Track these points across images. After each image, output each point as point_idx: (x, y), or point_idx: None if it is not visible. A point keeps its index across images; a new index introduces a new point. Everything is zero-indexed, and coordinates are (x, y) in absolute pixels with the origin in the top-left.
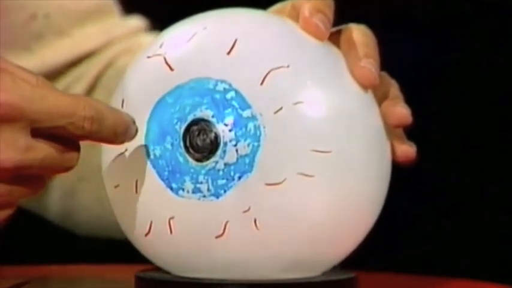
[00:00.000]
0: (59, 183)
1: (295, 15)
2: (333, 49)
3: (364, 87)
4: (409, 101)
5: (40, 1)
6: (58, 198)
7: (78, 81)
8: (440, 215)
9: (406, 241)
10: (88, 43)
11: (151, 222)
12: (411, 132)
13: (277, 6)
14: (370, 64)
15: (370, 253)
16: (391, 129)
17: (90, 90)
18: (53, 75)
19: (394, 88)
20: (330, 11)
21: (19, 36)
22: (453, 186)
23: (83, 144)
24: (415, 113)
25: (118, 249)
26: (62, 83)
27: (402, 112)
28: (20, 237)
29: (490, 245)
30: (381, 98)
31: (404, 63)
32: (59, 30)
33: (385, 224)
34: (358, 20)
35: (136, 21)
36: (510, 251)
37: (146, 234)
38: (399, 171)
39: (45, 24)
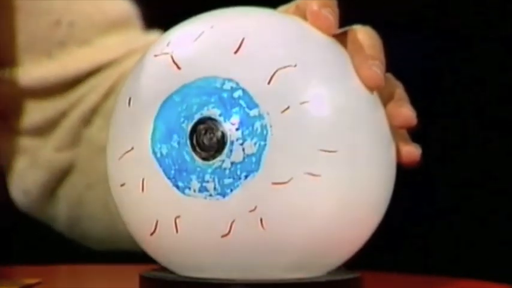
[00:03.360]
0: (67, 192)
1: (299, 15)
2: (340, 49)
3: (370, 88)
4: (414, 102)
5: (65, 8)
6: (66, 208)
7: (93, 90)
8: (443, 214)
9: (411, 241)
10: (108, 53)
11: (157, 221)
12: (415, 134)
13: (281, 9)
14: (376, 66)
15: (375, 253)
16: (395, 130)
17: (104, 99)
18: (72, 82)
19: (399, 89)
20: (335, 6)
21: (41, 42)
22: (456, 187)
23: (91, 151)
24: (419, 114)
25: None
26: (79, 92)
27: (407, 113)
28: (23, 238)
29: (493, 245)
30: (386, 100)
31: (408, 65)
32: (82, 39)
33: (390, 223)
34: (362, 22)
35: (157, 36)
36: (511, 251)
37: (152, 233)
38: (403, 172)
39: (68, 32)
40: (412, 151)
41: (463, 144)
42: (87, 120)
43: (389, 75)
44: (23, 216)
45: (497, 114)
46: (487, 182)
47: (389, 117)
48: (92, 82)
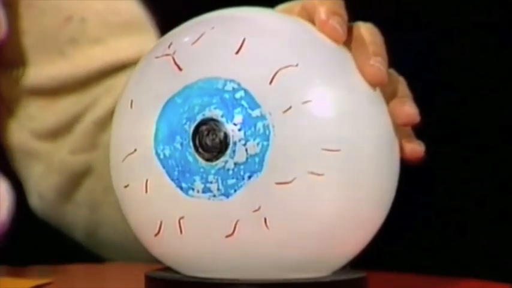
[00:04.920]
0: (85, 197)
1: (305, 16)
2: (341, 47)
3: (373, 85)
4: (416, 98)
5: (76, 5)
6: (84, 213)
7: (108, 93)
8: (445, 215)
9: (411, 241)
10: (121, 54)
11: (161, 222)
12: (419, 131)
13: (285, 6)
14: (379, 62)
15: (381, 253)
16: (399, 127)
17: None
18: (85, 82)
19: (402, 86)
20: (344, 11)
21: (52, 39)
22: (457, 187)
23: (107, 156)
24: (422, 111)
25: None
26: (92, 93)
27: (410, 111)
28: (34, 237)
29: (493, 245)
30: (389, 96)
31: (410, 61)
32: (93, 37)
33: (396, 223)
34: (363, 18)
35: None
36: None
37: (156, 234)
38: (407, 171)
39: (79, 29)
40: (416, 148)
41: (464, 144)
42: (102, 124)
43: (392, 71)
44: (33, 216)
45: (499, 112)
46: (487, 181)
47: (392, 115)
48: (106, 84)
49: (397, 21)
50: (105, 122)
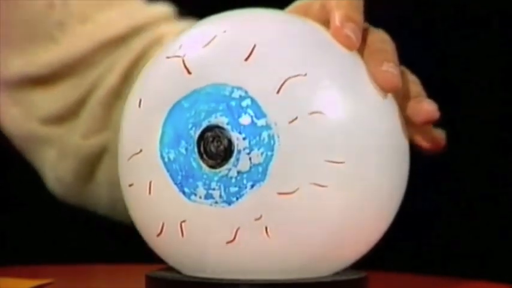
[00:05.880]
0: (105, 175)
1: (324, 15)
2: (353, 57)
3: (386, 91)
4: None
5: None
6: (106, 190)
7: (110, 71)
8: (449, 214)
9: (411, 241)
10: (111, 28)
11: (163, 224)
12: None
13: (303, 2)
14: (391, 68)
15: (381, 253)
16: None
17: (123, 81)
18: (80, 64)
19: (415, 85)
20: (360, 16)
21: (40, 27)
22: (460, 187)
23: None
24: None
25: (129, 248)
26: (94, 73)
27: (428, 108)
28: (36, 238)
29: (493, 245)
30: (402, 97)
31: (420, 67)
32: (80, 16)
33: (396, 223)
34: (372, 23)
35: (163, 8)
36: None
37: (158, 235)
38: (410, 173)
39: (64, 11)
40: (437, 137)
41: (465, 144)
42: (108, 104)
43: (405, 70)
44: (35, 217)
45: (500, 113)
46: (487, 182)
47: (411, 116)
48: (106, 63)
49: (407, 22)
50: (110, 101)
